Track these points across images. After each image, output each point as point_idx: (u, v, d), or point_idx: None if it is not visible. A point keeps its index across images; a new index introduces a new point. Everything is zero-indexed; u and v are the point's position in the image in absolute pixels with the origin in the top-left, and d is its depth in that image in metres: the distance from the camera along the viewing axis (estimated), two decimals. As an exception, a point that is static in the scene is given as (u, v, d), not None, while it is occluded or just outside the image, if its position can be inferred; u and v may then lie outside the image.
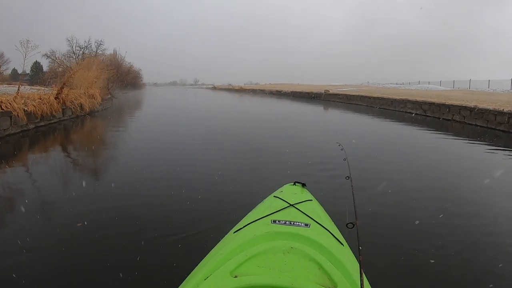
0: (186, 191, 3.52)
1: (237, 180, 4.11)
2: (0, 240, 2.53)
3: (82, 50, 20.47)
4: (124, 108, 15.71)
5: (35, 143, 7.24)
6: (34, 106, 7.88)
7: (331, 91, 28.35)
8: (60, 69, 10.94)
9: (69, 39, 21.16)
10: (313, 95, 29.81)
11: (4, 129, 7.13)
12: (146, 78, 60.66)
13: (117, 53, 30.80)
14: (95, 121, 10.65)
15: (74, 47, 20.39)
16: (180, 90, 62.74)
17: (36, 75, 10.28)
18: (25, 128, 7.73)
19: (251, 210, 1.58)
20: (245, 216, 1.48)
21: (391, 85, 40.60)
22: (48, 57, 11.63)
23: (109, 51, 25.76)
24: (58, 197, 3.59)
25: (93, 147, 6.74)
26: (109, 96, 14.82)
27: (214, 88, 71.40)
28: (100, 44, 23.06)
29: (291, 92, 35.05)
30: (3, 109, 7.00)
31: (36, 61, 10.93)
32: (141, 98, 25.84)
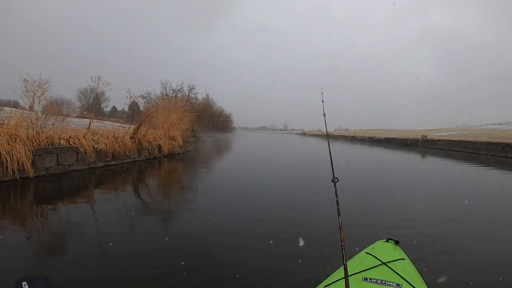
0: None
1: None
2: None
3: (175, 93, 22.38)
4: (206, 153, 15.30)
5: (98, 181, 6.68)
6: (106, 144, 7.53)
7: (428, 137, 26.30)
8: (154, 109, 11.18)
9: (163, 82, 23.68)
10: (409, 142, 27.71)
11: (69, 165, 6.81)
12: (236, 122, 65.57)
13: (209, 97, 33.60)
14: (170, 165, 9.94)
15: (167, 89, 22.63)
16: (269, 135, 65.40)
17: (133, 113, 11.16)
18: (93, 166, 7.35)
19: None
20: (336, 270, 1.47)
21: (490, 126, 37.70)
22: (143, 97, 12.48)
23: (201, 95, 27.90)
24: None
25: (157, 193, 6.06)
26: (193, 138, 14.81)
27: (304, 134, 71.25)
28: (192, 88, 24.97)
29: (385, 138, 33.60)
30: (70, 144, 6.74)
31: (134, 100, 12.20)
32: (227, 142, 26.11)
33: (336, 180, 1.58)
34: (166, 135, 10.83)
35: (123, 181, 6.93)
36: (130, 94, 9.06)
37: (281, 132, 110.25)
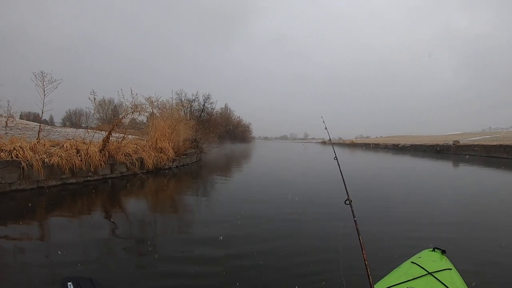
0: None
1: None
2: None
3: (190, 103, 21.48)
4: (205, 168, 13.29)
5: (47, 206, 5.42)
6: (61, 158, 6.41)
7: (461, 142, 24.29)
8: (124, 114, 10.23)
9: (178, 92, 22.76)
10: (439, 148, 25.18)
11: (10, 183, 5.75)
12: (256, 132, 65.15)
13: (228, 107, 32.47)
14: (150, 183, 8.15)
15: (183, 100, 21.69)
16: (289, 145, 63.50)
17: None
18: (43, 185, 6.23)
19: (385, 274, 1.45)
20: (380, 279, 1.40)
21: (518, 128, 39.50)
22: (159, 108, 11.58)
23: (219, 105, 26.52)
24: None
25: (116, 227, 4.33)
26: (194, 150, 13.52)
27: (324, 142, 69.37)
28: (208, 97, 23.88)
29: (411, 145, 31.66)
30: (12, 158, 5.68)
31: (152, 111, 11.38)
32: (238, 154, 24.27)
33: (350, 201, 1.58)
34: (153, 146, 9.65)
35: (71, 206, 5.64)
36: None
37: (301, 141, 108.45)
